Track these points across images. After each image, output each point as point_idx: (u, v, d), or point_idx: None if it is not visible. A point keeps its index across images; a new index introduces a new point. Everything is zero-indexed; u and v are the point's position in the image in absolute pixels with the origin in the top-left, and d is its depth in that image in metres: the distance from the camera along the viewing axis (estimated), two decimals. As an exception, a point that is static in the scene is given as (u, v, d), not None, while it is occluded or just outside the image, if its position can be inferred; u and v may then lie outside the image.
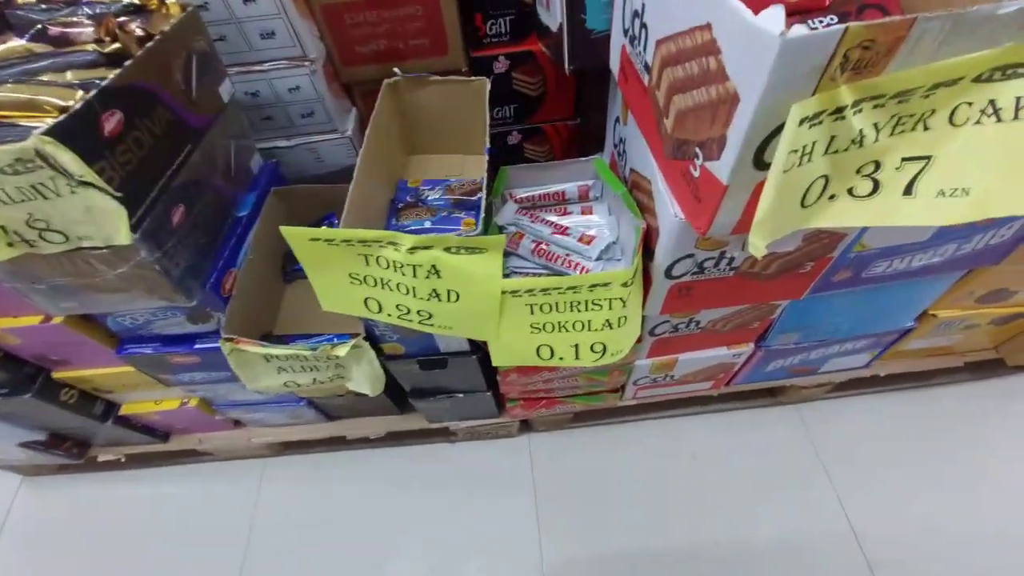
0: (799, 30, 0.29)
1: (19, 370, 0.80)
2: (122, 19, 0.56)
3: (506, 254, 0.65)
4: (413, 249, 0.50)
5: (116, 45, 0.51)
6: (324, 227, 0.52)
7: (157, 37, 0.55)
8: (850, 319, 0.82)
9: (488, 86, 0.68)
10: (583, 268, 0.60)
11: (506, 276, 0.56)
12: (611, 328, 0.57)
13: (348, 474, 1.05)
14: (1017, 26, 0.31)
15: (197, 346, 0.73)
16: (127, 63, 0.51)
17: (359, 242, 0.50)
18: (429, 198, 0.70)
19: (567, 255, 0.62)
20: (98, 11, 0.56)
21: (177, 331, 0.73)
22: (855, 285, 0.71)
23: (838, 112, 0.34)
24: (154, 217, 0.56)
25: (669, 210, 0.51)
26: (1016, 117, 0.35)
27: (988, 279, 0.78)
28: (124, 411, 0.91)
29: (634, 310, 0.58)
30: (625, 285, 0.54)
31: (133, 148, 0.53)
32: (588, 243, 0.63)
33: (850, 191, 0.40)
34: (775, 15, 0.30)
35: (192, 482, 1.06)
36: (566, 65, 0.70)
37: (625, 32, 0.56)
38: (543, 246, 0.63)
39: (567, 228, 0.65)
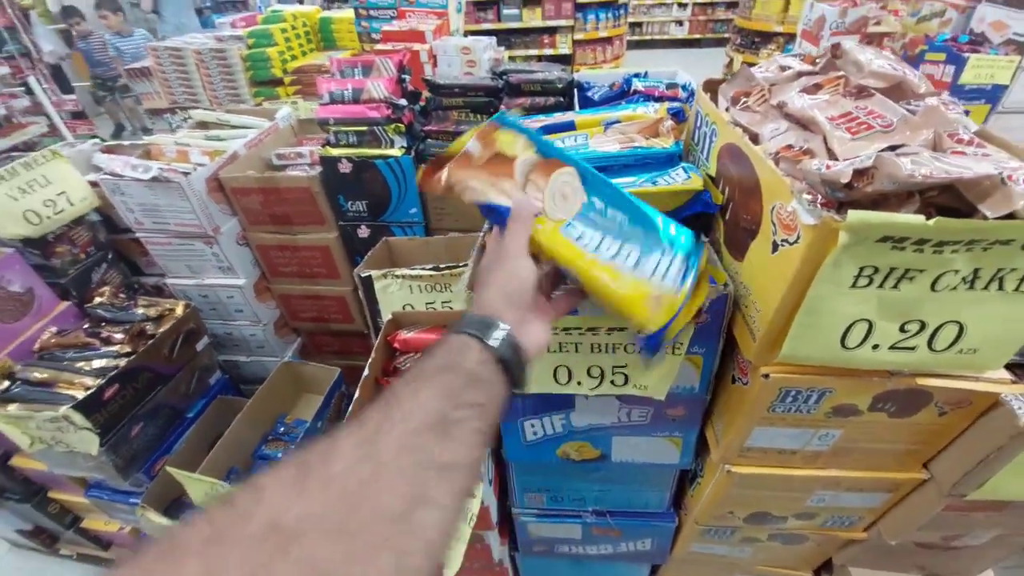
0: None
1: (29, 486, 1.23)
2: (143, 325, 1.05)
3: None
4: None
5: (128, 349, 0.99)
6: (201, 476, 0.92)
7: (156, 337, 1.03)
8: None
9: (337, 374, 1.11)
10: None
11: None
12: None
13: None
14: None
15: (131, 501, 1.12)
16: (129, 359, 0.98)
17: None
18: (291, 434, 1.11)
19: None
20: (131, 319, 1.05)
21: (125, 488, 1.13)
22: (556, 558, 1.00)
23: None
24: (119, 435, 0.99)
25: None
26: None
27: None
28: (84, 525, 1.29)
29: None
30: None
31: (118, 400, 0.98)
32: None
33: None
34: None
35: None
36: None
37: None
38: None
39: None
